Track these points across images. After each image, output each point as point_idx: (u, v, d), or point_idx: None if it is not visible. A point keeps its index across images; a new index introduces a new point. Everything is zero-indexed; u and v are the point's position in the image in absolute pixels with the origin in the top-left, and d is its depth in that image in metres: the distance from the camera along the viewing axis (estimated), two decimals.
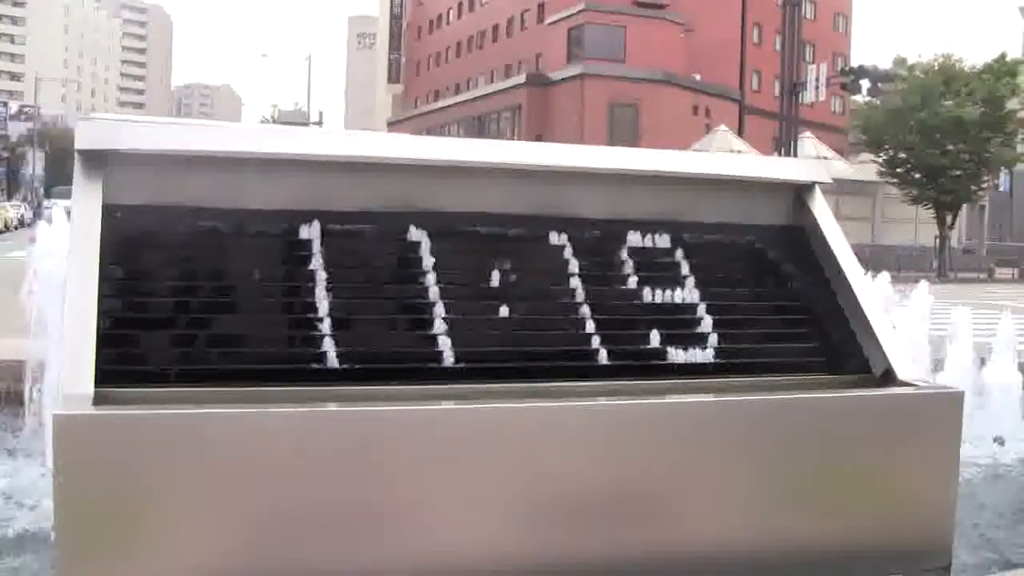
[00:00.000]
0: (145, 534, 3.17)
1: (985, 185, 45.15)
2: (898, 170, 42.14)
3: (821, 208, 4.78)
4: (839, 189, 35.82)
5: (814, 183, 4.85)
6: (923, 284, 8.19)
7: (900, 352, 4.38)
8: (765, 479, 3.86)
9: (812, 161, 5.64)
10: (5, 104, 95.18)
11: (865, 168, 44.12)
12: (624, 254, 4.48)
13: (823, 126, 55.47)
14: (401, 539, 3.43)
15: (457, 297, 4.09)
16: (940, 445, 4.12)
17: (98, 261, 3.63)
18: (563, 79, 57.91)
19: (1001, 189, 51.98)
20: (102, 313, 3.53)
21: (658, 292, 4.39)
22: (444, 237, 4.23)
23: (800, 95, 39.14)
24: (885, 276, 7.71)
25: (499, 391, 3.84)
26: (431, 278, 4.11)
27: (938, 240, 41.55)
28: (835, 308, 4.53)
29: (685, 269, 4.50)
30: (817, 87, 38.82)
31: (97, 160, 3.90)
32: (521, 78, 62.00)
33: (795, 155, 35.70)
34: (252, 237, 4.06)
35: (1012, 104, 41.31)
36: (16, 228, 53.37)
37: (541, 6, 66.03)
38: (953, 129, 39.75)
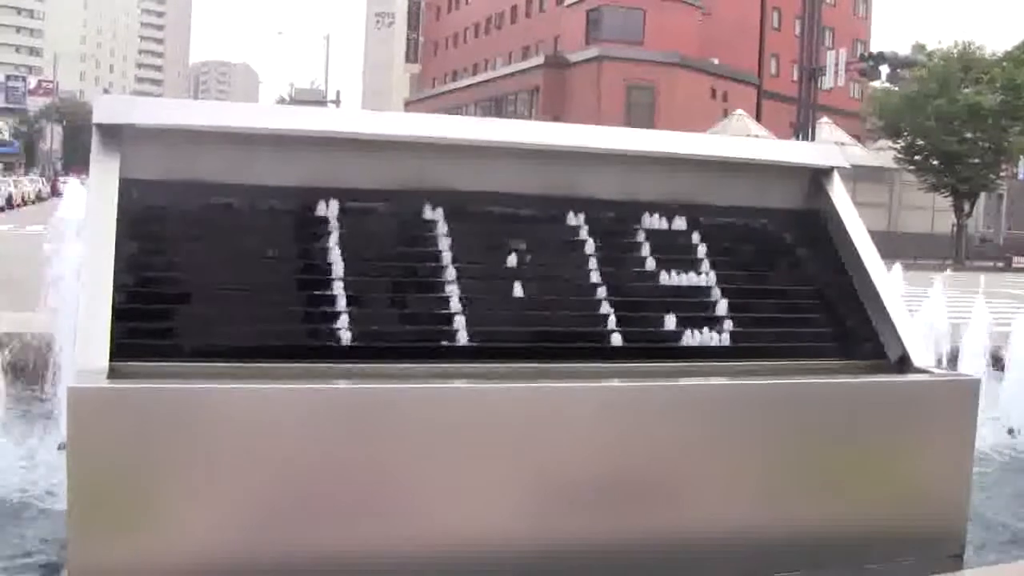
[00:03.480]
0: (157, 506, 3.19)
1: (1004, 173, 44.91)
2: (915, 157, 41.98)
3: (839, 193, 4.76)
4: (856, 175, 35.67)
5: (832, 168, 4.82)
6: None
7: (916, 338, 4.36)
8: (779, 464, 3.85)
9: (830, 146, 5.61)
10: (24, 79, 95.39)
11: (882, 155, 43.92)
12: (640, 236, 4.46)
13: (841, 112, 55.12)
14: (411, 517, 3.44)
15: (472, 277, 4.08)
16: (955, 433, 4.11)
17: (114, 236, 3.63)
18: (581, 61, 57.72)
19: (1020, 178, 51.64)
20: (117, 287, 3.54)
21: (673, 275, 4.37)
22: (459, 216, 4.22)
23: (819, 80, 38.90)
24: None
25: (512, 371, 3.84)
26: (446, 257, 4.10)
27: (955, 228, 41.37)
28: (851, 293, 4.51)
29: (701, 252, 4.49)
30: (836, 72, 38.56)
31: (115, 134, 3.91)
32: (539, 60, 61.82)
33: (813, 140, 35.52)
34: (267, 214, 4.06)
35: None
36: (34, 202, 53.58)
37: None
38: (971, 116, 39.58)
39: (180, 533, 3.23)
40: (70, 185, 5.81)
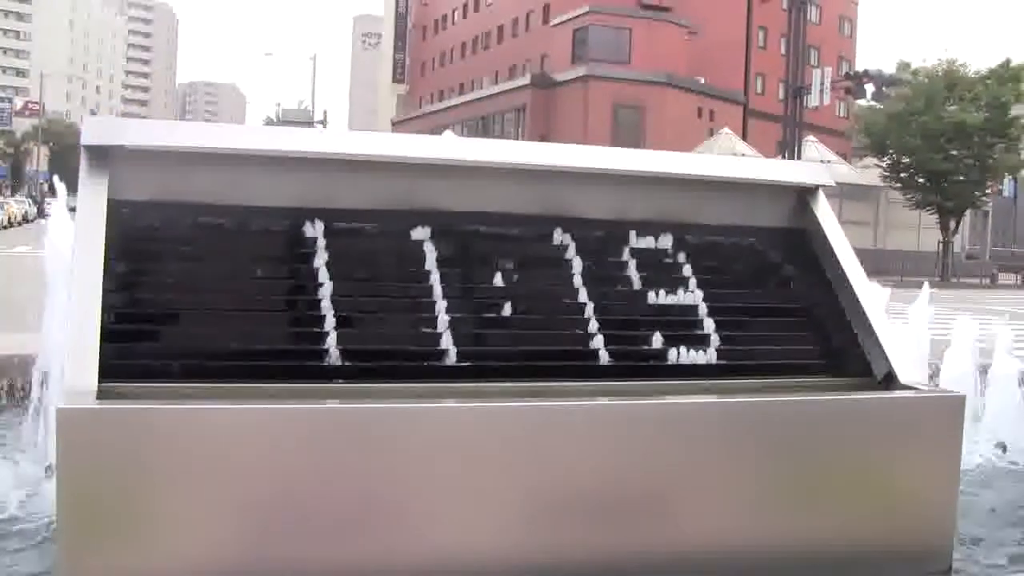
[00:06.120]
0: (147, 528, 3.19)
1: (989, 191, 45.11)
2: (901, 175, 42.12)
3: (824, 211, 4.79)
4: (842, 193, 35.81)
5: (818, 186, 4.85)
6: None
7: (902, 355, 4.38)
8: (766, 481, 3.86)
9: (816, 164, 5.64)
10: (10, 100, 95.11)
11: (868, 172, 44.07)
12: (627, 255, 4.48)
13: (827, 130, 55.38)
14: (401, 536, 3.44)
15: (460, 296, 4.10)
16: (941, 449, 4.13)
17: (103, 256, 3.64)
18: (567, 80, 57.86)
19: (1005, 195, 51.98)
20: (106, 308, 3.54)
21: (661, 293, 4.39)
22: (448, 236, 4.24)
23: (804, 99, 39.11)
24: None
25: (501, 390, 3.85)
26: (434, 277, 4.11)
27: (941, 245, 41.52)
28: (837, 311, 4.53)
29: (688, 271, 4.51)
30: (821, 91, 38.77)
31: (103, 156, 3.92)
32: (526, 79, 61.94)
33: (799, 159, 35.66)
34: (256, 234, 4.07)
35: (1016, 110, 41.26)
36: (20, 224, 53.52)
37: (546, 7, 65.98)
38: (956, 134, 39.76)
39: (170, 554, 3.22)
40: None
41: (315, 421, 3.43)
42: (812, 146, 44.12)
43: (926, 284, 8.08)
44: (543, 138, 51.92)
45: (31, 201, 69.50)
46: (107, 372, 3.39)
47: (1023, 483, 6.27)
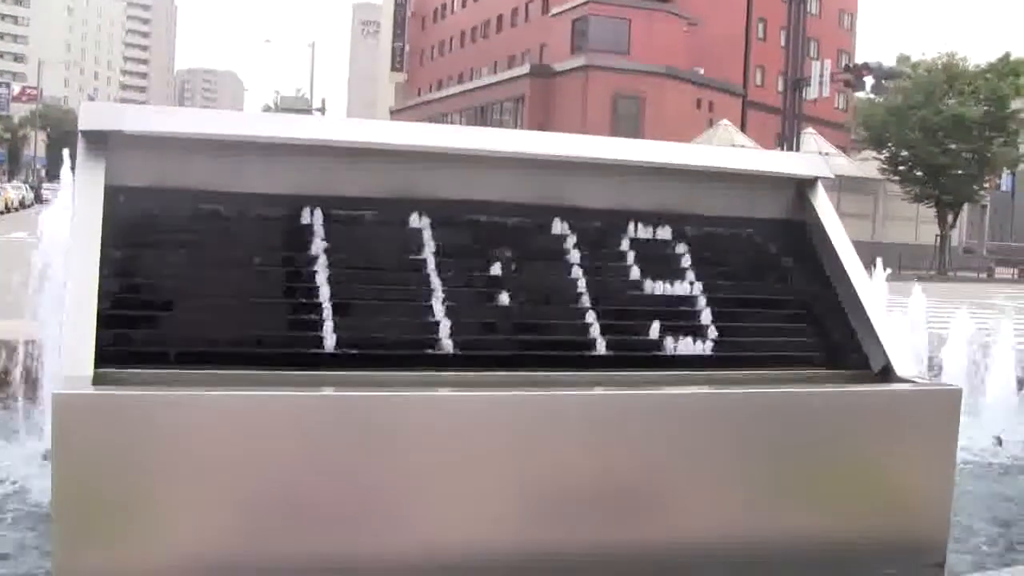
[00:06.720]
0: (143, 514, 3.18)
1: (987, 185, 45.17)
2: (900, 168, 42.15)
3: (823, 203, 4.78)
4: (841, 186, 35.81)
5: (816, 178, 4.85)
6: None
7: (899, 348, 4.38)
8: (761, 473, 3.86)
9: (814, 156, 5.64)
10: (8, 85, 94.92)
11: (867, 165, 44.09)
12: (625, 245, 4.48)
13: (826, 123, 55.37)
14: (396, 525, 3.44)
15: (457, 285, 4.09)
16: (937, 442, 4.13)
17: (99, 242, 3.63)
18: (566, 71, 57.82)
19: (1003, 189, 52.02)
20: (103, 294, 3.53)
21: (658, 284, 4.39)
22: (445, 225, 4.23)
23: (803, 91, 39.11)
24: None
25: (498, 379, 3.85)
26: (432, 265, 4.11)
27: (938, 239, 41.55)
28: (835, 303, 4.53)
29: (686, 262, 4.50)
30: (821, 83, 38.77)
31: (100, 141, 3.91)
32: (525, 69, 61.91)
33: (797, 151, 35.64)
34: (254, 221, 4.06)
35: (1016, 104, 41.30)
36: (17, 209, 53.53)
37: None
38: (955, 128, 39.77)
39: (167, 541, 3.22)
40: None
41: (311, 408, 3.42)
42: (811, 138, 44.10)
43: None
44: (542, 128, 51.84)
45: (28, 187, 69.51)
46: (103, 358, 3.38)
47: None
